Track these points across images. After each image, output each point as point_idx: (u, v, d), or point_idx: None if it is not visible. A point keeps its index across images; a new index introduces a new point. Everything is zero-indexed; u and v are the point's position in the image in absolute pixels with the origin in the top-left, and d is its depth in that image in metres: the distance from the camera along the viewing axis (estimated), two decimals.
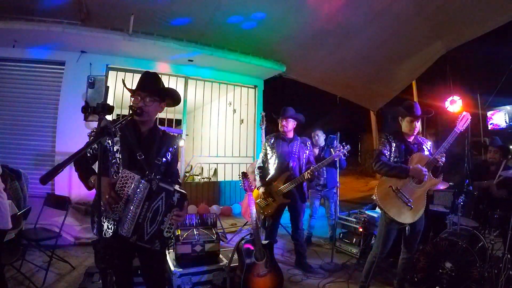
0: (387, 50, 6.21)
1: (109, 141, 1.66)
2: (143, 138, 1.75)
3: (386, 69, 7.07)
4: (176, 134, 1.97)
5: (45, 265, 2.96)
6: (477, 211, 3.28)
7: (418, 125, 2.58)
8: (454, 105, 6.58)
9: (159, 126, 1.90)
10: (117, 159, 1.67)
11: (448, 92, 7.34)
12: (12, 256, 2.51)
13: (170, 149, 1.83)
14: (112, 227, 1.65)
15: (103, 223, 1.66)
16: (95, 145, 1.66)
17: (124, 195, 1.55)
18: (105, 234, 1.65)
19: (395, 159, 2.54)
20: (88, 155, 1.71)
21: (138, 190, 1.56)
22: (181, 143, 5.74)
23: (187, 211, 1.76)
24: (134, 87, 1.79)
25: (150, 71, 1.89)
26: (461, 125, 2.43)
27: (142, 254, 1.81)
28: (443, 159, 2.41)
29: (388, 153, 2.56)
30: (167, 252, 2.86)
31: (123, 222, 1.56)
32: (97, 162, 1.61)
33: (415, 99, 9.41)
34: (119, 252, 1.68)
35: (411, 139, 2.62)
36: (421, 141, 2.66)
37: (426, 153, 2.58)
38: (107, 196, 1.52)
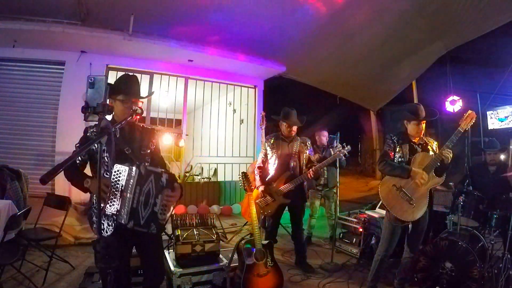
0: (387, 50, 6.22)
1: (95, 144, 1.66)
2: (126, 134, 1.87)
3: (386, 69, 7.08)
4: (154, 127, 2.08)
5: (45, 265, 2.96)
6: (477, 211, 3.28)
7: (424, 126, 2.60)
8: (454, 105, 6.59)
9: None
10: (105, 157, 1.75)
11: (448, 92, 7.35)
12: (12, 256, 2.51)
13: (153, 140, 1.98)
14: (112, 224, 1.72)
15: (103, 222, 1.71)
16: (84, 153, 1.73)
17: (120, 186, 1.62)
18: (106, 232, 1.72)
19: (399, 159, 2.57)
20: (77, 162, 1.78)
21: (130, 178, 1.63)
22: (181, 143, 5.74)
23: (179, 193, 1.82)
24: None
25: (130, 74, 2.00)
26: (465, 124, 2.42)
27: (140, 244, 1.86)
28: (450, 156, 2.39)
29: (393, 153, 2.60)
30: (167, 252, 2.87)
31: (120, 211, 1.61)
32: (94, 165, 1.77)
33: (415, 99, 9.42)
34: (118, 251, 1.65)
35: (416, 140, 2.64)
36: (427, 141, 2.67)
37: (431, 153, 2.59)
38: (104, 188, 1.57)
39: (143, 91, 2.15)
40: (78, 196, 5.02)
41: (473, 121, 2.42)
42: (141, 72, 5.78)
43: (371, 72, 7.13)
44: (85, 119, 1.50)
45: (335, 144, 4.07)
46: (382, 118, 11.77)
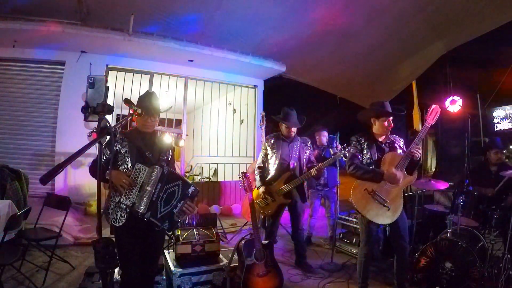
0: (387, 50, 6.21)
1: (119, 146, 1.95)
2: (148, 141, 2.06)
3: (386, 69, 7.07)
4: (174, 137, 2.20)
5: (45, 265, 2.97)
6: (477, 211, 3.28)
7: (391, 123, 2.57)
8: (454, 105, 6.58)
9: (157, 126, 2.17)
10: (127, 157, 1.95)
11: (448, 92, 7.35)
12: (12, 256, 2.51)
13: (170, 150, 2.16)
14: (125, 215, 1.88)
15: (116, 213, 1.90)
16: (107, 150, 1.90)
17: (138, 183, 1.83)
18: (119, 222, 1.89)
19: (368, 161, 2.53)
20: (103, 159, 1.90)
21: (152, 175, 1.83)
22: (181, 143, 5.74)
23: (196, 206, 2.04)
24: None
25: (150, 91, 2.15)
26: (431, 119, 2.40)
27: (147, 237, 1.99)
28: (419, 153, 2.38)
29: (360, 155, 2.55)
30: (167, 252, 2.87)
31: (139, 202, 1.81)
32: (115, 163, 1.93)
33: (415, 99, 9.43)
34: (128, 241, 1.90)
35: (382, 139, 2.60)
36: (393, 139, 2.64)
37: (399, 151, 2.57)
38: (123, 180, 1.80)
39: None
40: (78, 196, 5.03)
41: (438, 115, 2.39)
42: (141, 72, 5.78)
43: (371, 72, 7.13)
44: (85, 119, 1.51)
45: (335, 144, 4.07)
46: None
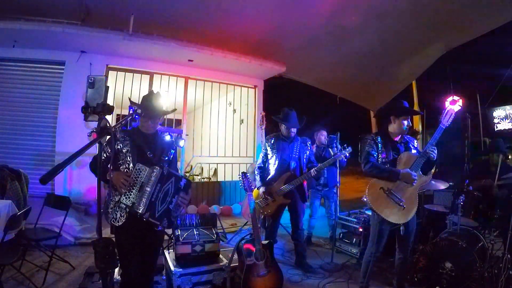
0: (387, 50, 6.21)
1: (120, 145, 1.96)
2: (149, 141, 2.07)
3: (386, 69, 7.08)
4: (174, 137, 2.23)
5: (45, 265, 2.96)
6: (477, 211, 3.28)
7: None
8: (454, 105, 6.57)
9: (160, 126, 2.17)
10: (128, 157, 1.96)
11: (448, 92, 7.35)
12: (12, 256, 2.51)
13: (172, 151, 2.17)
14: (125, 215, 1.90)
15: (116, 212, 1.91)
16: (108, 148, 1.90)
17: (138, 183, 1.83)
18: (118, 222, 1.90)
19: (382, 160, 2.53)
20: (103, 157, 1.93)
21: (152, 176, 1.84)
22: (181, 143, 5.73)
23: (190, 197, 2.07)
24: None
25: (153, 92, 2.13)
26: (446, 120, 2.42)
27: (146, 237, 2.00)
28: (435, 153, 2.39)
29: (376, 153, 2.55)
30: (167, 252, 2.87)
31: (139, 203, 1.82)
32: (115, 162, 1.96)
33: (415, 99, 9.43)
34: (127, 242, 1.92)
35: (397, 138, 2.60)
36: (408, 139, 2.65)
37: (414, 151, 2.57)
38: (122, 181, 1.81)
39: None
40: (78, 196, 5.03)
41: (453, 117, 2.42)
42: (141, 72, 5.78)
43: (371, 72, 7.13)
44: (85, 119, 1.51)
45: (335, 145, 4.08)
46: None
